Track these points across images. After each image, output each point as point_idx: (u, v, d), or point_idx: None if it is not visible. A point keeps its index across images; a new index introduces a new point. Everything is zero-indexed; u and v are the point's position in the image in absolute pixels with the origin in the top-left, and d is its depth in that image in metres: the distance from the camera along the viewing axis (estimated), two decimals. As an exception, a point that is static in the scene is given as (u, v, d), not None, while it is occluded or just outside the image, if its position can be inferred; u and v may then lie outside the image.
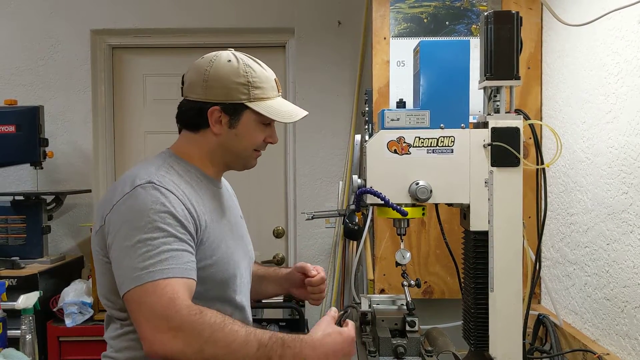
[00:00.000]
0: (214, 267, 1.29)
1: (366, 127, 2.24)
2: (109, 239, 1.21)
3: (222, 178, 1.48)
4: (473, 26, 2.19)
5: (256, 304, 2.70)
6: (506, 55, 1.43)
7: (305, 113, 1.40)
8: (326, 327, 1.20)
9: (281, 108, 1.35)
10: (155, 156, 1.37)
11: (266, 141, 1.39)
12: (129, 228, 1.17)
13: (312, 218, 2.60)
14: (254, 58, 1.37)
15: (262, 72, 1.34)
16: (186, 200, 1.25)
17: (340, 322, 1.24)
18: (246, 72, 1.31)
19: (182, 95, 1.37)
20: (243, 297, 1.40)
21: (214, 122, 1.31)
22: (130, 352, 1.26)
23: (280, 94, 1.39)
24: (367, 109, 2.29)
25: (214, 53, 1.35)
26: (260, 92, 1.32)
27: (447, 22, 2.19)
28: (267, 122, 1.35)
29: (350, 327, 1.22)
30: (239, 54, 1.35)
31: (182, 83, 1.38)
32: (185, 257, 1.19)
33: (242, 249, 1.43)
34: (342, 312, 1.29)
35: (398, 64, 2.18)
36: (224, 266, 1.32)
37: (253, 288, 1.51)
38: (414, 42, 1.54)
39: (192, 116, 1.34)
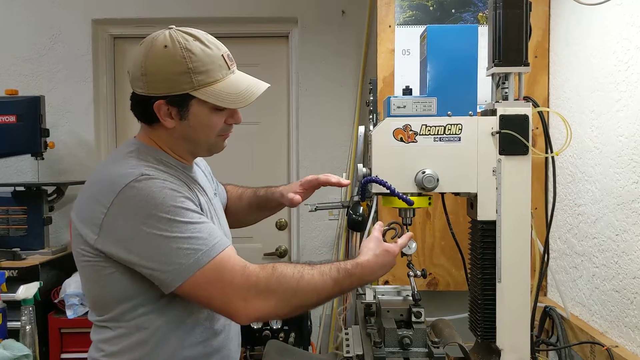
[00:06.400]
0: None
1: (370, 117, 2.20)
2: (119, 246, 1.14)
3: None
4: (480, 14, 2.15)
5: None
6: (515, 40, 1.39)
7: (266, 86, 1.29)
8: (375, 247, 1.31)
9: (232, 90, 1.22)
10: (123, 148, 1.29)
11: (228, 123, 1.29)
12: (153, 221, 1.12)
13: (315, 210, 2.55)
14: (197, 34, 1.22)
15: (205, 52, 1.20)
16: (180, 186, 1.21)
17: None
18: (184, 58, 1.18)
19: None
20: None
21: (163, 116, 1.22)
22: (125, 356, 1.21)
23: (232, 70, 1.25)
24: (371, 98, 2.25)
25: (152, 37, 1.22)
26: (205, 77, 1.19)
27: (453, 10, 2.16)
28: (221, 107, 1.24)
29: (397, 244, 1.35)
30: (178, 34, 1.20)
31: (128, 74, 1.27)
32: (217, 229, 1.21)
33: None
34: (386, 227, 1.43)
35: (403, 53, 2.15)
36: None
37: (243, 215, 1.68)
38: (419, 30, 1.51)
39: (141, 111, 1.26)
